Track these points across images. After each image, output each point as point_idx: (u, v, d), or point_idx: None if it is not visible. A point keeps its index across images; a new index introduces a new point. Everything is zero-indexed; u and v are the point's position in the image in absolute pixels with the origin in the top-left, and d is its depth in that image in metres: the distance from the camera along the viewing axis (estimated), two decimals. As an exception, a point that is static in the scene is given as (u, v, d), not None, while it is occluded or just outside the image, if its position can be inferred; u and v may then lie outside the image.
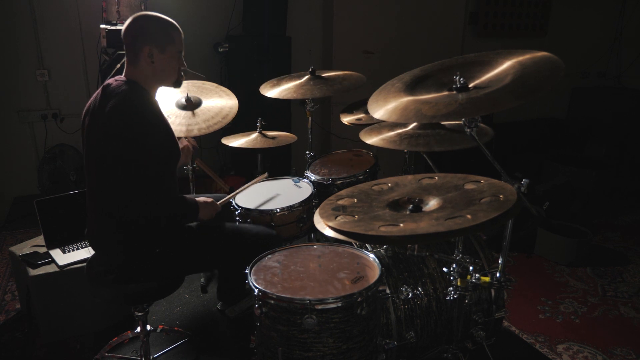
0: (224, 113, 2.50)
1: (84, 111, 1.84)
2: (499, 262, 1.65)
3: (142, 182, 1.70)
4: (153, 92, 1.87)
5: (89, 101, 1.84)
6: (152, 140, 1.71)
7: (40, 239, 2.43)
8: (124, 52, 1.85)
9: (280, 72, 2.91)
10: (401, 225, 1.34)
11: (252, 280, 1.61)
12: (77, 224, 2.41)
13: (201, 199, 1.95)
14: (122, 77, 1.83)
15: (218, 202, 2.02)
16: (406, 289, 1.75)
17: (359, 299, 1.50)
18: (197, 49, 3.83)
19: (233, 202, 2.27)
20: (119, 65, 1.83)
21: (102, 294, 1.84)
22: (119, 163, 1.68)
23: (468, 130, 1.49)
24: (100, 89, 1.80)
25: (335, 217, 1.46)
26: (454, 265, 1.66)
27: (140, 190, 1.70)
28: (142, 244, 1.79)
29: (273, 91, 2.56)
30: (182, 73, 1.91)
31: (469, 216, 1.29)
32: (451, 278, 1.66)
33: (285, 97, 2.50)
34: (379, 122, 2.28)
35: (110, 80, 1.81)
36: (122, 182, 1.69)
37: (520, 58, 1.53)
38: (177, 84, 1.91)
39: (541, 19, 5.06)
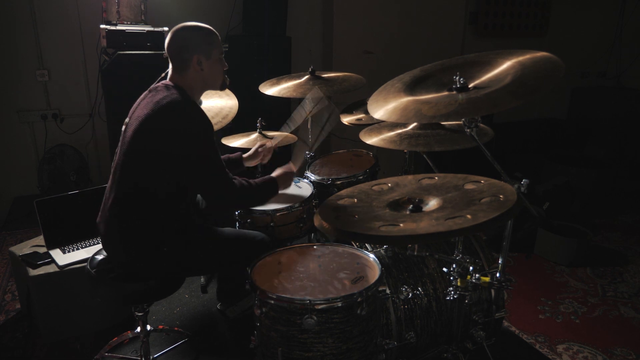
0: (224, 113, 2.51)
1: (130, 112, 1.87)
2: (499, 262, 1.65)
3: (215, 175, 1.77)
4: (197, 100, 1.93)
5: (135, 104, 1.88)
6: (212, 135, 1.79)
7: (40, 239, 2.43)
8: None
9: (280, 72, 2.91)
10: (401, 225, 1.34)
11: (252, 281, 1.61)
12: (77, 224, 2.41)
13: (278, 171, 2.04)
14: (168, 82, 1.86)
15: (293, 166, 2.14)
16: (406, 289, 1.76)
17: (359, 299, 1.50)
18: (197, 49, 3.83)
19: None
20: (163, 75, 1.89)
21: (102, 293, 1.84)
22: (189, 158, 1.72)
23: (468, 130, 1.49)
24: (146, 91, 1.86)
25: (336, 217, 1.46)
26: (454, 266, 1.66)
27: (215, 182, 1.78)
28: (144, 244, 1.79)
29: (272, 89, 2.56)
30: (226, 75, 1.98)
31: (469, 216, 1.29)
32: (451, 278, 1.66)
33: (284, 96, 2.50)
34: (379, 122, 2.29)
35: (156, 85, 1.86)
36: (197, 178, 1.75)
37: (520, 58, 1.53)
38: (223, 86, 1.99)
39: (541, 19, 5.06)
